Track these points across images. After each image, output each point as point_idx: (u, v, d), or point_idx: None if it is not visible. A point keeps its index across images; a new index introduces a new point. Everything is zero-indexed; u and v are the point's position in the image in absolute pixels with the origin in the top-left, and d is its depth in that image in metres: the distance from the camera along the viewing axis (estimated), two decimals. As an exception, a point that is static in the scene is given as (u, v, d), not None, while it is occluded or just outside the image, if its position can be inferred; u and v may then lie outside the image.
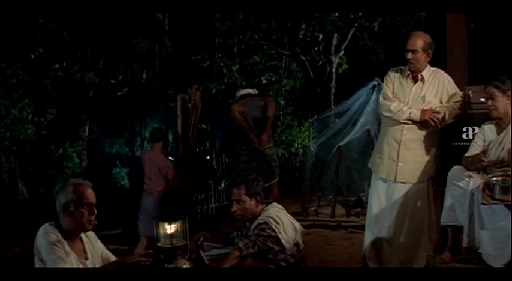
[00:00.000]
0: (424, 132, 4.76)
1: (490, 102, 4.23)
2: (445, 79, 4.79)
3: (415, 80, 4.79)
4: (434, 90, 4.75)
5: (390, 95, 4.83)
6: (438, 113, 4.64)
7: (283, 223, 4.04)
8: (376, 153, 5.01)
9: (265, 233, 3.95)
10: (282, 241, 3.96)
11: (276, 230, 3.97)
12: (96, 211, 3.39)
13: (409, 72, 4.80)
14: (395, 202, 4.80)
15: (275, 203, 4.24)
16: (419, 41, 4.66)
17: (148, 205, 6.86)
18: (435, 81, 4.76)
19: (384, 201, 4.89)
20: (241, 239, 3.97)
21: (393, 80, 4.87)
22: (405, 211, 4.78)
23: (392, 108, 4.75)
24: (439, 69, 4.84)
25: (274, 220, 4.01)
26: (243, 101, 7.28)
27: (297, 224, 4.20)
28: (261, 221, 4.02)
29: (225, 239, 4.38)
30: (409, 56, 4.68)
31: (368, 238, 4.96)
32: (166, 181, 6.93)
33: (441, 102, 4.75)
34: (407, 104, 4.75)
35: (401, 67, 4.89)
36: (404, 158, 4.78)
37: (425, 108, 4.68)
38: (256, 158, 7.08)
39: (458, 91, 4.77)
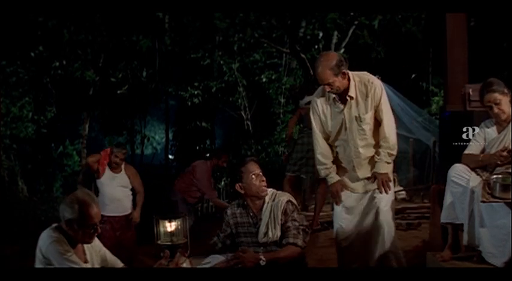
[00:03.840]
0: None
1: (496, 109, 4.17)
2: (371, 85, 4.33)
3: (344, 101, 4.34)
4: (365, 105, 4.33)
5: (320, 135, 4.49)
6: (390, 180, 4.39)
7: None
8: None
9: (296, 214, 3.94)
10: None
11: (298, 208, 3.99)
12: (99, 230, 3.37)
13: (333, 95, 4.38)
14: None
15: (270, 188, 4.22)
16: (326, 72, 4.18)
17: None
18: (364, 94, 4.33)
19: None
20: (289, 236, 3.88)
21: (320, 111, 4.47)
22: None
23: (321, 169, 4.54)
24: (362, 74, 4.38)
25: (291, 197, 4.05)
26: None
27: None
28: (285, 203, 3.96)
29: (207, 248, 4.30)
30: (328, 89, 4.26)
31: None
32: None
33: (375, 112, 4.34)
34: (346, 129, 4.38)
35: (320, 92, 4.44)
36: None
37: (364, 126, 4.33)
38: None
39: (381, 96, 4.34)
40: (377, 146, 4.38)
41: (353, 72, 4.36)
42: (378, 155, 4.34)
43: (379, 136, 4.34)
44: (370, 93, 4.28)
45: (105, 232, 6.40)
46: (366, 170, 4.44)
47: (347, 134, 4.40)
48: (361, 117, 4.32)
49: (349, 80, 4.28)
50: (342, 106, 4.35)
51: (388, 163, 4.33)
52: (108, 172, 6.70)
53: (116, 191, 6.69)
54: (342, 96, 4.31)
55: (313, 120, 4.51)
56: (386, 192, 4.33)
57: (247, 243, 4.05)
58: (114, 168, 6.71)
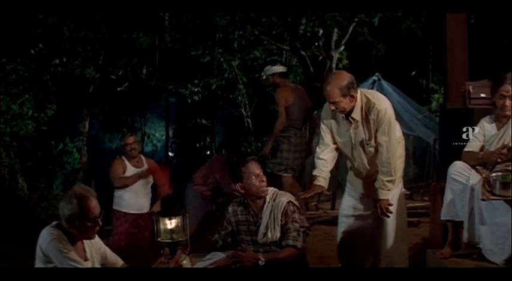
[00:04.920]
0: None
1: (507, 102, 4.17)
2: (375, 110, 4.25)
3: (350, 122, 4.32)
4: (368, 130, 4.30)
5: (326, 142, 4.48)
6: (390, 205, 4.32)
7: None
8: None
9: (297, 215, 3.93)
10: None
11: (299, 208, 3.99)
12: (101, 222, 3.37)
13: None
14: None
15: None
16: (335, 91, 4.12)
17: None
18: (368, 118, 4.27)
19: None
20: (288, 237, 3.88)
21: (329, 128, 4.47)
22: None
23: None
24: (370, 97, 4.28)
25: (292, 197, 4.04)
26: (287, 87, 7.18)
27: None
28: (285, 204, 3.96)
29: (209, 245, 4.31)
30: (333, 107, 4.21)
31: None
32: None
33: (376, 134, 4.30)
34: (354, 148, 4.39)
35: (328, 108, 4.37)
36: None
37: (370, 149, 4.33)
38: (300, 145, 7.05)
39: (388, 121, 4.25)
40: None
41: (364, 91, 4.31)
42: (377, 183, 4.29)
43: (378, 160, 4.30)
44: (373, 118, 4.23)
45: (116, 228, 6.20)
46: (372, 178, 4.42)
47: (355, 153, 4.41)
48: (366, 141, 4.31)
49: (356, 101, 4.21)
50: (348, 126, 4.33)
51: (389, 189, 4.27)
52: (130, 168, 6.28)
53: (137, 187, 6.28)
54: (347, 116, 4.28)
55: (323, 132, 4.50)
56: (387, 216, 4.30)
57: (247, 241, 4.06)
58: (135, 156, 6.30)
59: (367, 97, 4.26)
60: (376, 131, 4.24)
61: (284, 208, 3.95)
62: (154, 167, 6.49)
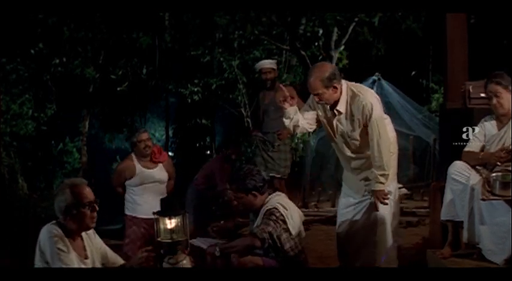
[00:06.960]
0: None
1: (495, 100, 4.19)
2: (360, 104, 4.22)
3: (334, 113, 4.33)
4: (352, 124, 4.29)
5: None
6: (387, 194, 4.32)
7: (290, 208, 4.10)
8: None
9: (274, 217, 4.00)
10: (289, 226, 4.01)
11: (284, 215, 4.02)
12: (97, 207, 3.40)
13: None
14: None
15: (278, 192, 4.29)
16: (317, 83, 4.13)
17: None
18: (353, 112, 4.26)
19: None
20: (257, 226, 4.03)
21: (316, 109, 4.44)
22: None
23: None
24: (356, 91, 4.28)
25: (282, 205, 4.07)
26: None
27: (301, 212, 4.30)
28: (270, 207, 4.08)
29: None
30: (316, 99, 4.23)
31: None
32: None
33: (365, 128, 4.27)
34: (336, 138, 4.40)
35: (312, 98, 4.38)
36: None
37: (351, 142, 4.35)
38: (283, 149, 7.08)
39: (375, 115, 4.22)
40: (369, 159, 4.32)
41: (351, 84, 4.31)
42: (371, 175, 4.29)
43: (370, 154, 4.28)
44: (359, 112, 4.21)
45: (130, 236, 5.93)
46: (362, 173, 4.43)
47: (337, 142, 4.42)
48: (348, 133, 4.30)
49: (341, 93, 4.21)
50: (333, 116, 4.34)
51: (382, 183, 4.25)
52: (140, 169, 5.85)
53: (153, 189, 5.84)
54: (332, 108, 4.28)
55: (306, 108, 4.48)
56: (386, 204, 4.31)
57: None
58: (148, 154, 5.82)
59: (353, 91, 4.26)
60: (366, 126, 4.23)
61: (266, 212, 4.10)
62: (170, 164, 6.17)
